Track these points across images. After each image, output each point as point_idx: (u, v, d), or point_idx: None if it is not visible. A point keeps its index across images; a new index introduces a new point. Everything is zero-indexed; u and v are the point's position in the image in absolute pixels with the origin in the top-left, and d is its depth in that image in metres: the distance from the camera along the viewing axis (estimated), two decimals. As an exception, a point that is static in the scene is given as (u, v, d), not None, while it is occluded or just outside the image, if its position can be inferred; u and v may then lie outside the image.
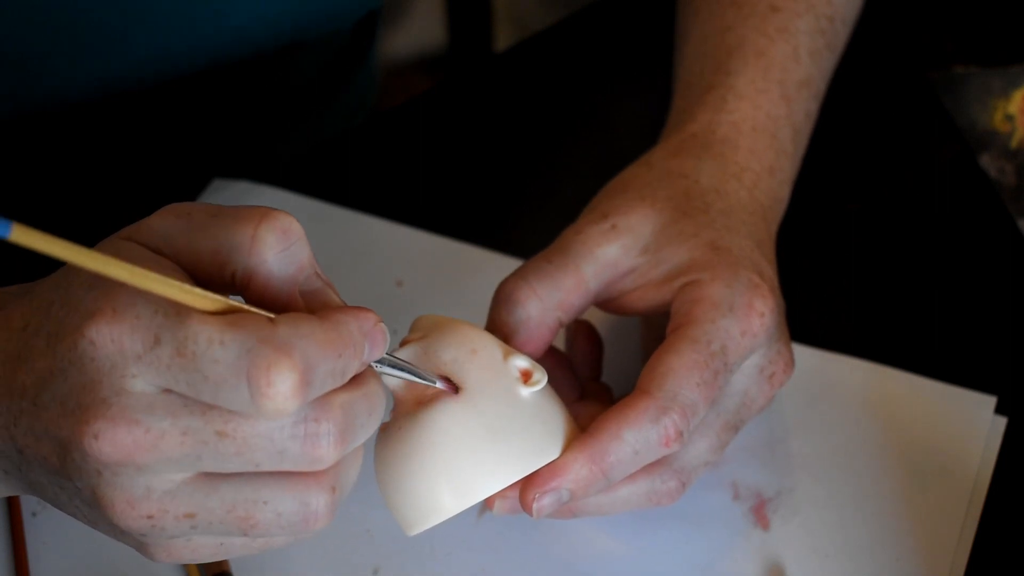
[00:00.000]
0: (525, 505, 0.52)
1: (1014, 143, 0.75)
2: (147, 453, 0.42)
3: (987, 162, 0.74)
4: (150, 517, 0.43)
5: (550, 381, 0.60)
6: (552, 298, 0.56)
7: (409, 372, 0.49)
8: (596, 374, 0.61)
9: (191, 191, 0.73)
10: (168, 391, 0.42)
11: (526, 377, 0.53)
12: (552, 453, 0.52)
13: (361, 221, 0.72)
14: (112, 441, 0.42)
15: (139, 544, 0.45)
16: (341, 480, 0.44)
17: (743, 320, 0.54)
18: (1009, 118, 0.76)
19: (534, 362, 0.53)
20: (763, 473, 0.61)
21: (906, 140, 0.75)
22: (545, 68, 0.80)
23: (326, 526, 0.44)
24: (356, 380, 0.45)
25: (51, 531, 0.60)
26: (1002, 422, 0.63)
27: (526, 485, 0.52)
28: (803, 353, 0.65)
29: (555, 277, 0.56)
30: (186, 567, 0.59)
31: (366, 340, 0.44)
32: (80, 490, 0.44)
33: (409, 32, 1.64)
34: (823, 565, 0.59)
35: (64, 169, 0.80)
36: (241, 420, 0.42)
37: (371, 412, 0.45)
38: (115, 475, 0.43)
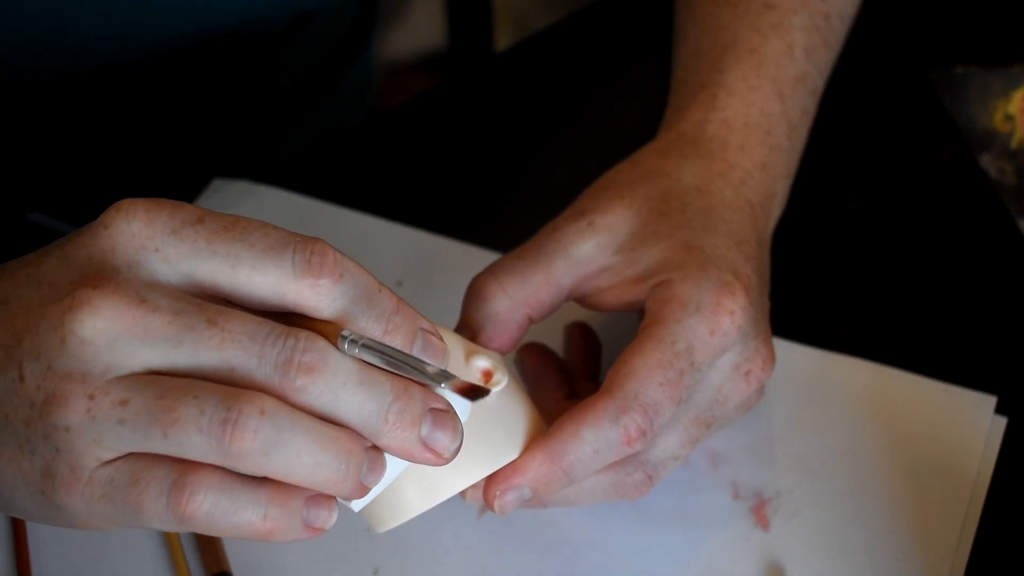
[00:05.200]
0: (488, 503, 0.53)
1: (1014, 143, 0.75)
2: (135, 321, 0.42)
3: (987, 162, 0.74)
4: (91, 397, 0.42)
5: (537, 380, 0.60)
6: (521, 294, 0.57)
7: (397, 357, 0.45)
8: (591, 374, 0.61)
9: (191, 191, 0.73)
10: (183, 281, 0.43)
11: (487, 377, 0.53)
12: (511, 454, 0.53)
13: (361, 221, 0.72)
14: (110, 294, 0.42)
15: (45, 465, 0.43)
16: (277, 414, 0.42)
17: (711, 319, 0.54)
18: (1009, 118, 0.76)
19: (497, 362, 0.54)
20: (763, 473, 0.61)
21: (906, 140, 0.75)
22: (545, 68, 0.80)
23: (245, 454, 0.42)
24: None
25: (52, 531, 0.60)
26: (1002, 422, 0.63)
27: (488, 483, 0.53)
28: (803, 353, 0.65)
29: (525, 274, 0.57)
30: (175, 566, 0.59)
31: (419, 336, 0.46)
32: (24, 380, 0.43)
33: (409, 32, 1.64)
34: (823, 565, 0.59)
35: (64, 168, 0.80)
36: (232, 315, 0.43)
37: (356, 389, 0.44)
38: (85, 343, 0.42)
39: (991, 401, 0.63)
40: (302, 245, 0.43)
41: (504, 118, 0.78)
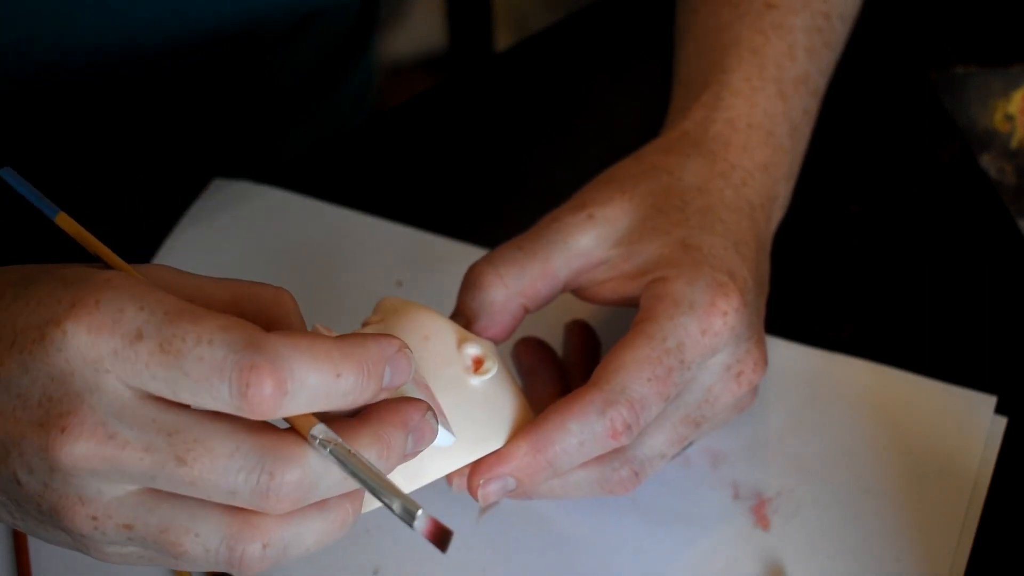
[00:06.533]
0: (471, 491, 0.53)
1: (1014, 143, 0.75)
2: (108, 461, 0.42)
3: (987, 162, 0.74)
4: (95, 519, 0.43)
5: (531, 374, 0.60)
6: (517, 284, 0.57)
7: (362, 479, 0.43)
8: (590, 373, 0.61)
9: (191, 191, 0.73)
10: (142, 396, 0.42)
11: (477, 365, 0.53)
12: (495, 442, 0.53)
13: (361, 221, 0.72)
14: (78, 438, 0.42)
15: (76, 544, 0.45)
16: (280, 539, 0.44)
17: (703, 319, 0.54)
18: (1009, 118, 0.76)
19: (488, 350, 0.54)
20: (763, 473, 0.61)
21: (906, 140, 0.75)
22: (545, 68, 0.80)
23: (256, 573, 0.44)
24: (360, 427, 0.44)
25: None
26: (1002, 422, 0.63)
27: (472, 471, 0.53)
28: (804, 353, 0.65)
29: (522, 264, 0.57)
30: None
31: (386, 365, 0.44)
32: (23, 485, 0.44)
33: (409, 32, 1.64)
34: (823, 565, 0.59)
35: (64, 168, 0.80)
36: (202, 451, 0.42)
37: (341, 486, 0.44)
38: (70, 475, 0.42)
39: (991, 401, 0.63)
40: (238, 373, 0.41)
41: (504, 118, 0.78)
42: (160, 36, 0.74)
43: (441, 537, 0.43)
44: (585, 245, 0.58)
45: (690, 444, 0.58)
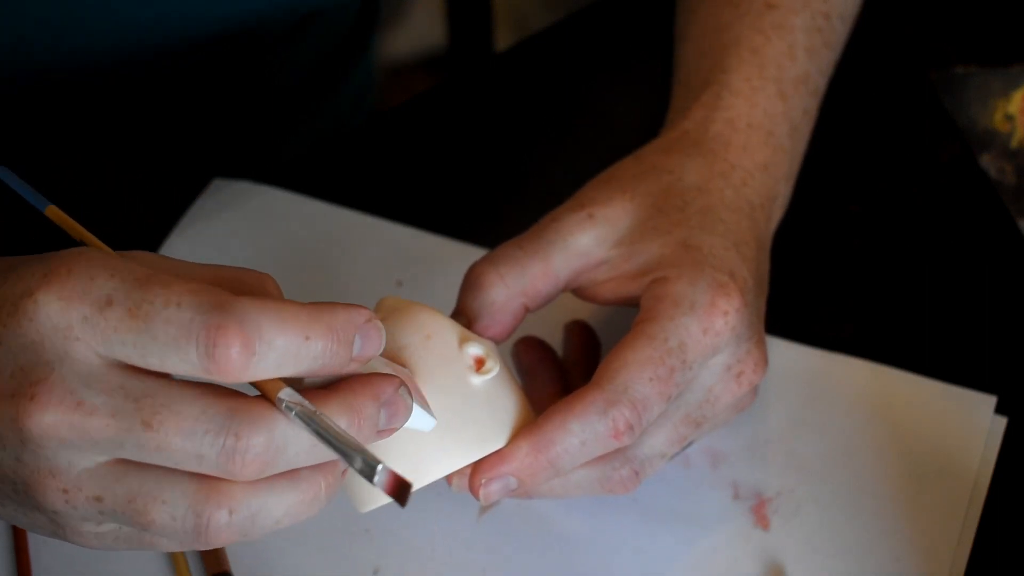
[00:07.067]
0: (473, 491, 0.53)
1: (1014, 143, 0.75)
2: (75, 428, 0.42)
3: (987, 162, 0.74)
4: (65, 491, 0.43)
5: (531, 374, 0.60)
6: (518, 284, 0.57)
7: (325, 437, 0.43)
8: (590, 373, 0.61)
9: (191, 191, 0.73)
10: (111, 364, 0.42)
11: (479, 365, 0.53)
12: (497, 442, 0.53)
13: (361, 221, 0.72)
14: (46, 406, 0.42)
15: (52, 525, 0.45)
16: (247, 506, 0.43)
17: (704, 318, 0.54)
18: (1009, 118, 0.76)
19: (490, 349, 0.54)
20: (763, 473, 0.61)
21: (906, 140, 0.75)
22: (545, 68, 0.80)
23: (224, 543, 0.44)
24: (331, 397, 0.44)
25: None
26: (1002, 422, 0.63)
27: (474, 471, 0.53)
28: (804, 353, 0.65)
29: (523, 263, 0.57)
30: (175, 566, 0.59)
31: (356, 334, 0.44)
32: None
33: (409, 32, 1.64)
34: (823, 565, 0.59)
35: (65, 168, 0.80)
36: (168, 415, 0.42)
37: (310, 453, 0.44)
38: (40, 446, 0.42)
39: (991, 401, 0.63)
40: (205, 333, 0.41)
41: (504, 118, 0.78)
42: (160, 36, 0.74)
43: (400, 491, 0.43)
44: (585, 245, 0.58)
45: (690, 444, 0.58)
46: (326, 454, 0.44)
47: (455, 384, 0.53)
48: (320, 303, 0.44)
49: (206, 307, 0.42)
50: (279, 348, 0.42)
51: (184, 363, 0.42)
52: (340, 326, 0.44)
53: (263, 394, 0.43)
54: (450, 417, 0.52)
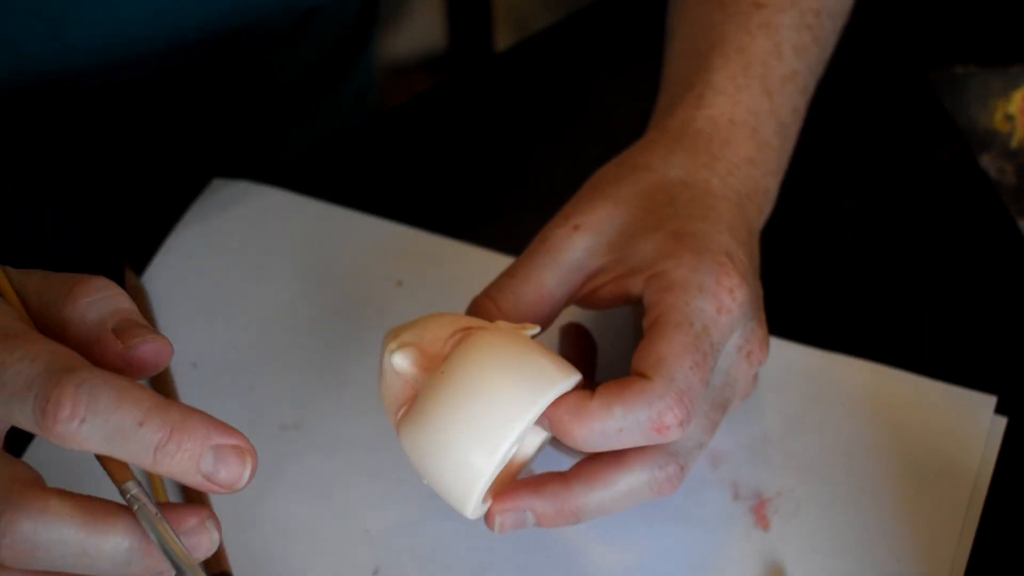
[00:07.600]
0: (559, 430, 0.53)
1: (1014, 143, 0.75)
2: None
3: (987, 162, 0.74)
4: None
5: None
6: (515, 313, 0.57)
7: (162, 544, 0.43)
8: (588, 375, 0.61)
9: (191, 191, 0.73)
10: None
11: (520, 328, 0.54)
12: (563, 379, 0.52)
13: (361, 221, 0.72)
14: None
15: None
16: None
17: (715, 298, 0.54)
18: (1009, 118, 0.76)
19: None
20: (763, 473, 0.61)
21: (906, 140, 0.75)
22: (545, 68, 0.80)
23: None
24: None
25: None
26: (1002, 422, 0.63)
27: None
28: (803, 353, 0.65)
29: (517, 292, 0.57)
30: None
31: (209, 448, 0.43)
32: None
33: (409, 32, 1.64)
34: (823, 565, 0.59)
35: (65, 168, 0.80)
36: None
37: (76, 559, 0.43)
38: None
39: (991, 401, 0.63)
40: (42, 392, 0.42)
41: (504, 118, 0.78)
42: (160, 36, 0.74)
43: None
44: (576, 259, 0.58)
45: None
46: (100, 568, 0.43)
47: (509, 332, 0.53)
48: (189, 408, 0.43)
49: (55, 366, 0.42)
50: (111, 424, 0.42)
51: (21, 415, 0.42)
52: (188, 428, 0.43)
53: (110, 477, 0.43)
54: (513, 358, 0.52)
